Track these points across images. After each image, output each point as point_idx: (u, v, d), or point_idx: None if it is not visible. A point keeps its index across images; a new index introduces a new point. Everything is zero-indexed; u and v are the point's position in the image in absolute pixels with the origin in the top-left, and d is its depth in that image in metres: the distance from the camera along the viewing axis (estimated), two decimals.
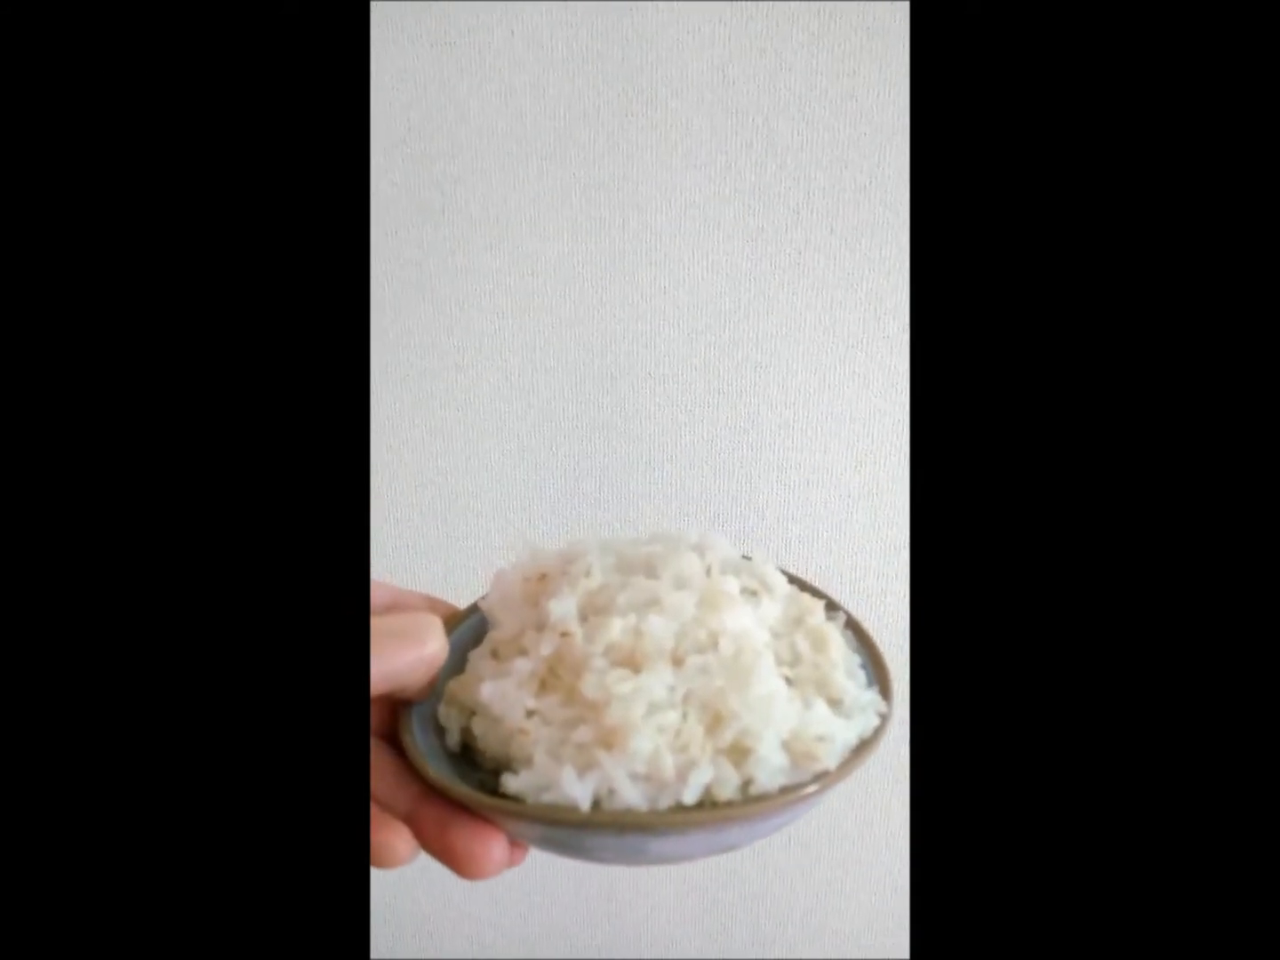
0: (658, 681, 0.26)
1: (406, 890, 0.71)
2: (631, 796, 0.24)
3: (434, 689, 0.30)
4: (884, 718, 0.28)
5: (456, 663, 0.31)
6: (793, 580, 0.33)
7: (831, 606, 0.32)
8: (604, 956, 0.72)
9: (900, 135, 0.56)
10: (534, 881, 0.71)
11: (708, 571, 0.30)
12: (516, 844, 0.27)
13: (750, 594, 0.30)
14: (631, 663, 0.27)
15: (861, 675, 0.29)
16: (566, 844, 0.26)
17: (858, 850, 0.68)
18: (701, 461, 0.62)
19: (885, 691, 0.29)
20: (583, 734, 0.25)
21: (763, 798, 0.25)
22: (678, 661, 0.27)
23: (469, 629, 0.33)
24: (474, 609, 0.33)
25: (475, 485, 0.64)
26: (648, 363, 0.61)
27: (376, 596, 0.31)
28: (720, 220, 0.58)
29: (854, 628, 0.32)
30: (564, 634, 0.28)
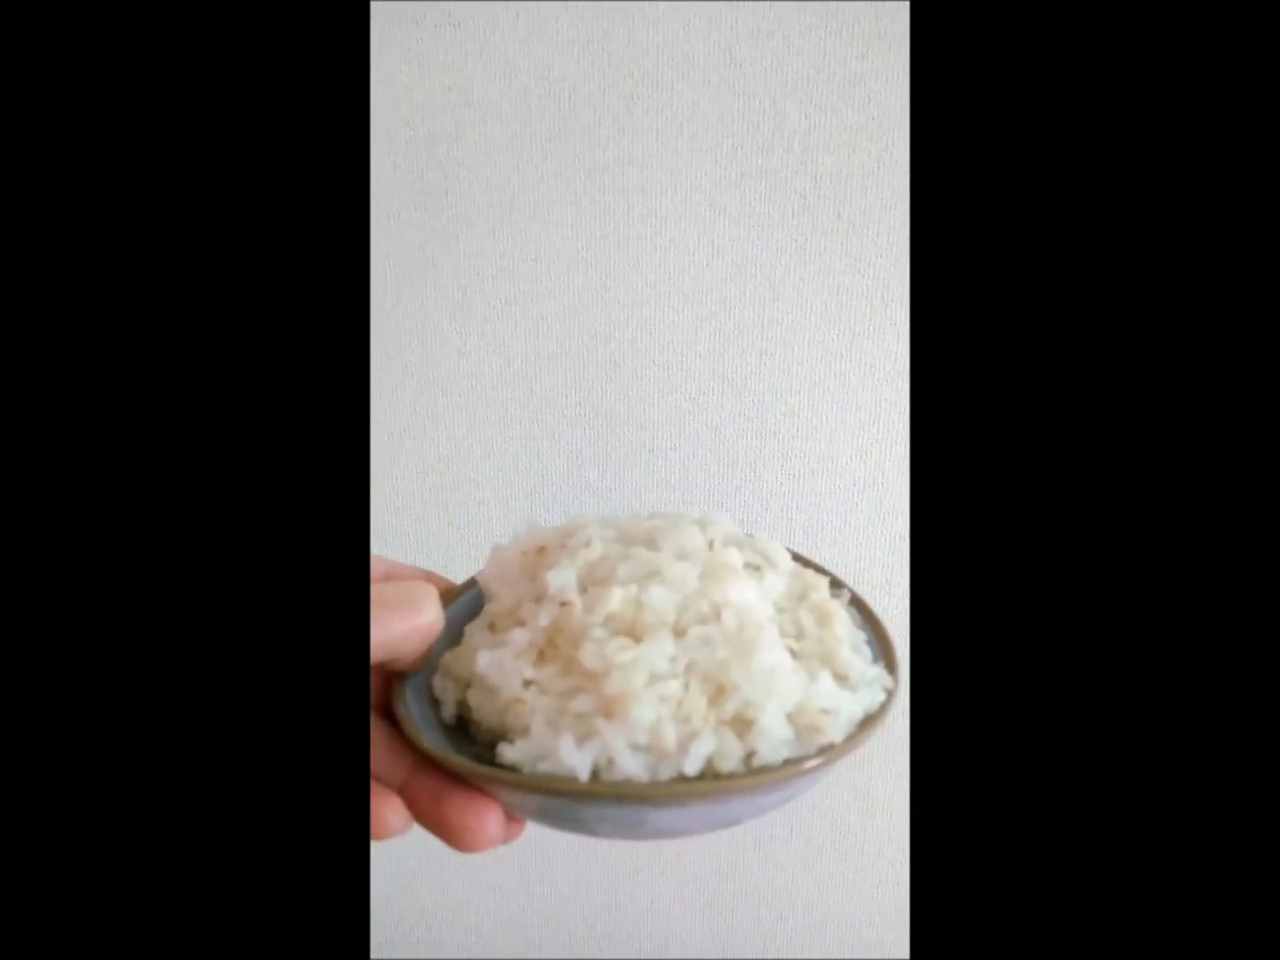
0: (659, 652, 0.25)
1: (405, 881, 0.70)
2: (631, 767, 0.24)
3: (429, 661, 0.29)
4: (890, 693, 0.27)
5: (452, 636, 0.30)
6: (796, 558, 0.32)
7: (835, 584, 0.31)
8: (603, 950, 0.72)
9: (908, 120, 0.55)
10: (533, 874, 0.70)
11: (710, 545, 0.29)
12: (512, 818, 0.26)
13: (754, 569, 0.30)
14: (632, 633, 0.26)
15: (867, 651, 0.29)
16: (563, 816, 0.25)
17: (860, 844, 0.67)
18: (705, 450, 0.61)
19: (891, 667, 0.28)
20: (582, 703, 0.25)
21: (766, 769, 0.24)
22: (679, 633, 0.26)
23: (465, 604, 0.32)
24: (471, 583, 0.33)
25: (477, 473, 0.63)
26: (651, 349, 0.60)
27: (373, 569, 0.31)
28: (726, 205, 0.58)
29: (858, 605, 0.31)
30: (563, 604, 0.27)
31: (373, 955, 0.70)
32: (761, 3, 0.54)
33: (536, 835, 0.77)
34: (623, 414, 0.61)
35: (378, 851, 0.67)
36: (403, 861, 0.68)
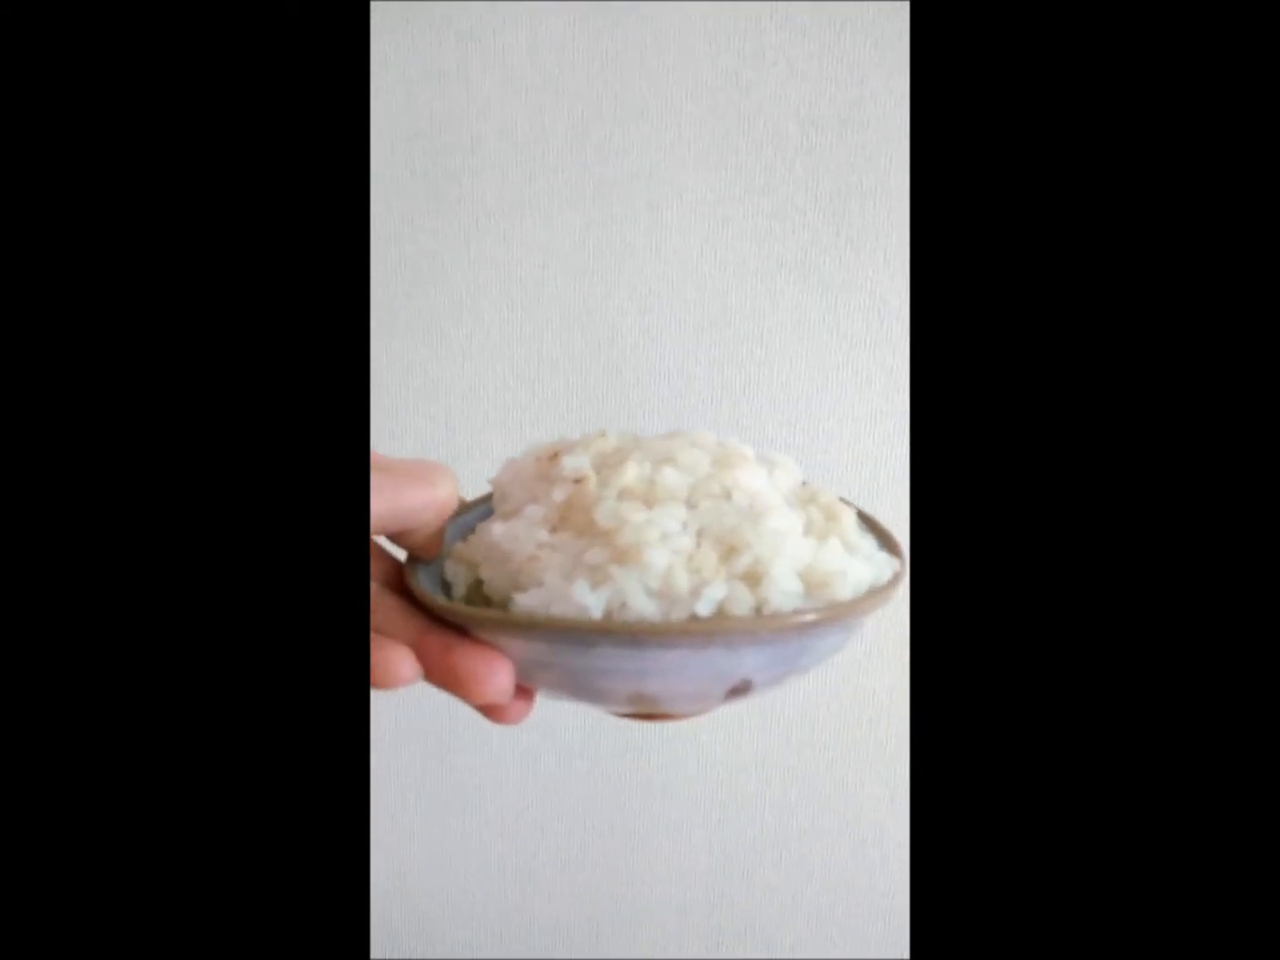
0: (671, 516, 0.26)
1: (405, 881, 0.68)
2: (645, 607, 0.24)
3: (441, 553, 0.29)
4: (897, 574, 0.28)
5: (463, 536, 0.30)
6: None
7: (843, 502, 0.32)
8: (603, 950, 0.69)
9: (905, 143, 0.58)
10: (532, 875, 0.68)
11: (722, 445, 0.30)
12: (521, 689, 0.26)
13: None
14: (646, 502, 0.27)
15: (874, 543, 0.29)
16: (572, 665, 0.25)
17: (861, 846, 0.66)
18: None
19: (897, 557, 0.29)
20: (595, 555, 0.25)
21: (776, 615, 0.24)
22: (692, 506, 0.27)
23: (478, 515, 0.32)
24: (484, 499, 0.33)
25: (477, 474, 0.64)
26: (652, 356, 0.62)
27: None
28: (729, 218, 0.60)
29: (864, 519, 0.31)
30: (577, 481, 0.27)
31: (373, 955, 0.67)
32: (767, 29, 0.57)
33: (537, 835, 0.74)
34: (622, 419, 0.62)
35: (378, 852, 0.65)
36: (403, 861, 0.66)
